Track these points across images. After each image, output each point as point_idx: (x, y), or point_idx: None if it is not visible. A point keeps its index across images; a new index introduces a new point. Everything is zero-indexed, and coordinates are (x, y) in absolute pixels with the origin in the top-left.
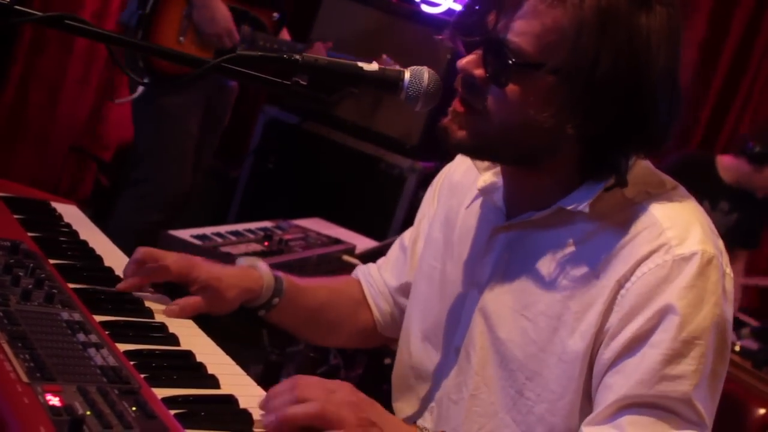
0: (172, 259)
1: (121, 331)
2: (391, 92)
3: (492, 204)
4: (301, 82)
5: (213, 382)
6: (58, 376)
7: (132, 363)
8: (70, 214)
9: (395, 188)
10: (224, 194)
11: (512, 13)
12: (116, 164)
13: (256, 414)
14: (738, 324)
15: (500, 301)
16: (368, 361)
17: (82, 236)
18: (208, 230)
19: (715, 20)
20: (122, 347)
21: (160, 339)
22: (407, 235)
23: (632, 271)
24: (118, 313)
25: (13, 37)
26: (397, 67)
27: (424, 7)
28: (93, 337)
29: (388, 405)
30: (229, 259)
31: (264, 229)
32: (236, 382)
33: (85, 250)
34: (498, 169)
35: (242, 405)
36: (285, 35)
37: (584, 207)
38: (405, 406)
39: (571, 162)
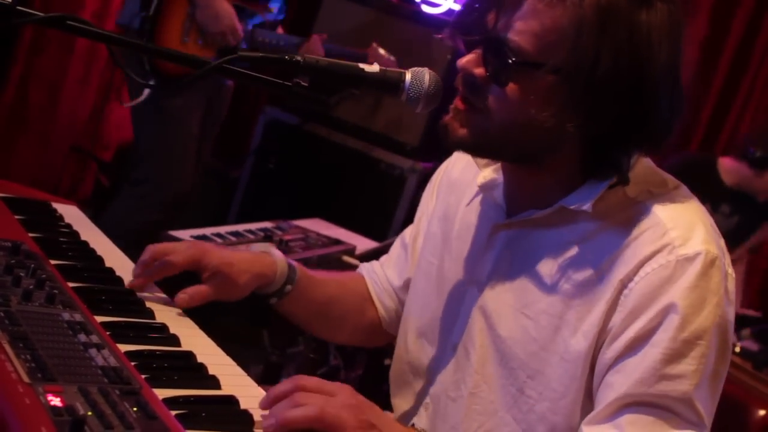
0: (180, 249)
1: (122, 331)
2: (391, 93)
3: (492, 201)
4: (302, 83)
5: (214, 382)
6: (59, 376)
7: (133, 363)
8: (71, 214)
9: (396, 189)
10: (224, 195)
11: (512, 12)
12: (117, 164)
13: (257, 415)
14: (739, 320)
15: (501, 299)
16: (368, 361)
17: (83, 237)
18: (208, 231)
19: (715, 19)
20: (123, 348)
21: (161, 340)
22: (408, 232)
23: (635, 271)
24: (119, 314)
25: (13, 37)
26: (388, 56)
27: (425, 8)
28: (94, 338)
29: (388, 405)
30: None
31: (264, 230)
32: (237, 383)
33: (85, 250)
34: (498, 165)
35: (243, 406)
36: (279, 30)
37: (587, 206)
38: (402, 402)
39: (572, 160)
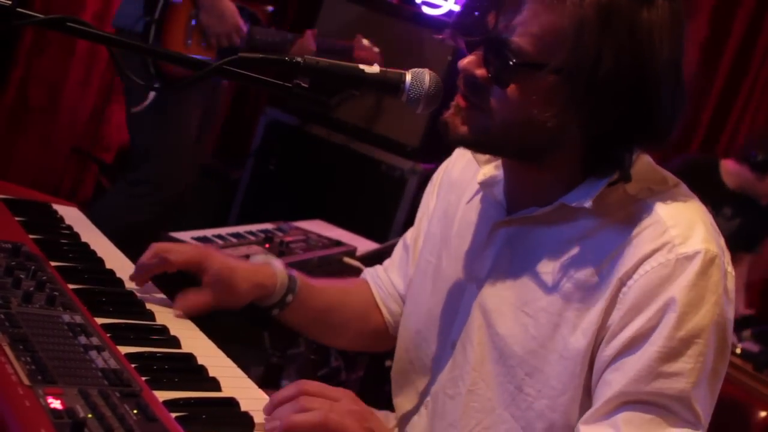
0: (182, 249)
1: (123, 333)
2: (392, 94)
3: (492, 198)
4: (303, 84)
5: (214, 384)
6: (60, 378)
7: (133, 366)
8: (72, 216)
9: (396, 190)
10: (225, 196)
11: (512, 12)
12: (117, 166)
13: (258, 417)
14: (740, 321)
15: (500, 296)
16: (369, 363)
17: (84, 238)
18: (208, 232)
19: (716, 20)
20: (123, 350)
21: (161, 342)
22: (409, 234)
23: (635, 269)
24: (120, 316)
25: (14, 38)
26: (371, 46)
27: (425, 9)
28: (94, 340)
29: (389, 406)
30: None
31: (265, 231)
32: (237, 385)
33: (86, 252)
34: (498, 162)
35: (243, 408)
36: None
37: (588, 203)
38: (404, 402)
39: (573, 158)
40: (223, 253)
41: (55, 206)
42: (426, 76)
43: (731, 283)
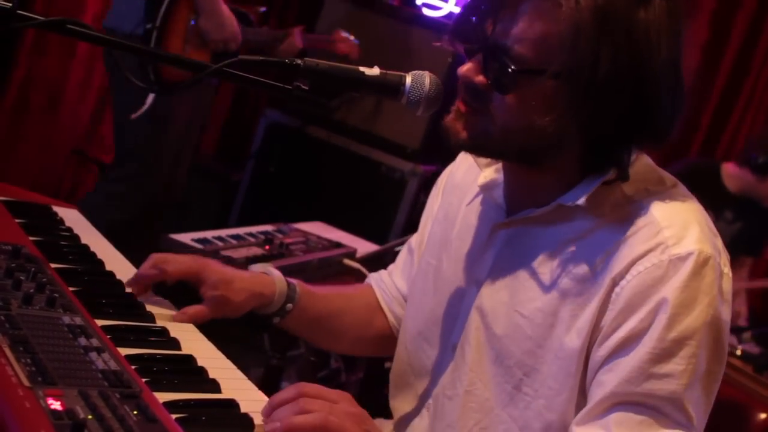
0: (180, 260)
1: (123, 335)
2: (392, 97)
3: (492, 201)
4: (303, 87)
5: (214, 386)
6: (60, 380)
7: (133, 367)
8: (72, 218)
9: (396, 192)
10: (225, 198)
11: (510, 18)
12: None
13: (257, 418)
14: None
15: (497, 297)
16: (369, 364)
17: (84, 240)
18: (209, 234)
19: (716, 22)
20: (123, 351)
21: (161, 343)
22: (414, 239)
23: (627, 270)
24: (120, 318)
25: (15, 40)
26: (348, 36)
27: (426, 11)
28: (94, 341)
29: (386, 410)
30: (229, 263)
31: (265, 233)
32: (237, 387)
33: (86, 254)
34: (499, 165)
35: (243, 409)
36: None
37: (581, 201)
38: (402, 404)
39: (573, 159)
40: (220, 265)
41: (56, 208)
42: (426, 78)
43: (727, 285)
